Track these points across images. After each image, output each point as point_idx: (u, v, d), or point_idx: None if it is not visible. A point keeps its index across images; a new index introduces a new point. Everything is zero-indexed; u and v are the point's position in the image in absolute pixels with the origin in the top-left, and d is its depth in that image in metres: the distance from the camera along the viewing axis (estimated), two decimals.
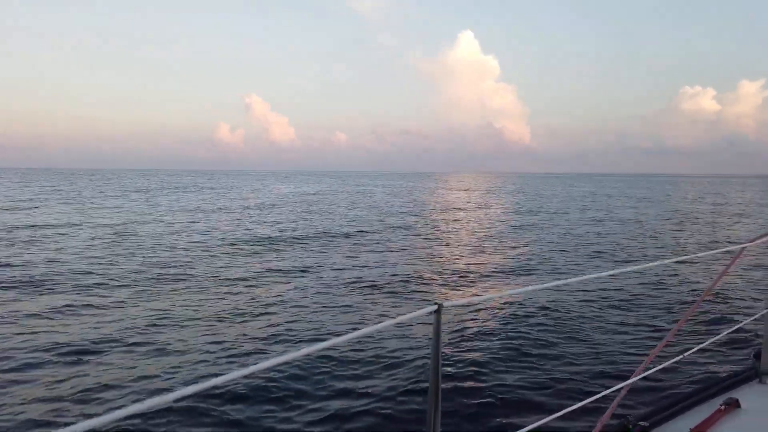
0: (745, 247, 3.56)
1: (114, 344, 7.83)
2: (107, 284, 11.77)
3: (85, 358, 7.29)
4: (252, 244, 18.61)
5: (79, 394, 6.15)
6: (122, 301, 10.31)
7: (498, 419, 5.51)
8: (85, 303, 10.07)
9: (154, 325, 8.84)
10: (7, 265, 13.59)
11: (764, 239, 3.53)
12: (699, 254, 3.79)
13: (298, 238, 20.35)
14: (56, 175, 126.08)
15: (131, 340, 7.99)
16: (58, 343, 7.78)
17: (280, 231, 22.58)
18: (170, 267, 13.94)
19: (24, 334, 8.18)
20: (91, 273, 12.91)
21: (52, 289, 11.20)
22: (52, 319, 9.06)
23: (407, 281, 12.59)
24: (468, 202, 46.83)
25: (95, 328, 8.59)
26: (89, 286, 11.51)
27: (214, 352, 7.57)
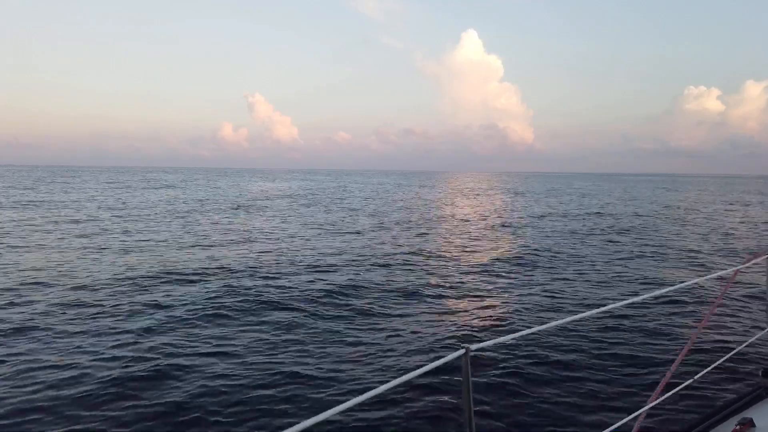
0: (738, 270, 3.66)
1: None
2: None
3: None
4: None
5: None
6: None
7: None
8: None
9: None
10: None
11: (754, 261, 3.68)
12: (692, 281, 3.76)
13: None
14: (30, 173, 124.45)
15: None
16: None
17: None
18: None
19: None
20: None
21: None
22: None
23: (431, 317, 11.15)
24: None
25: None
26: None
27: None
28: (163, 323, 9.71)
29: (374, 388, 1.53)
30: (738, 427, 2.95)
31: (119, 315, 10.15)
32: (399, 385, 1.62)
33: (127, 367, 7.70)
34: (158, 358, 8.06)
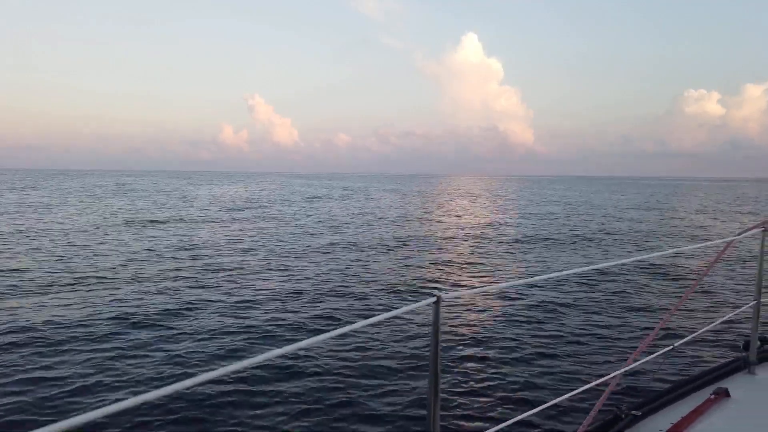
0: (733, 240, 3.61)
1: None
2: None
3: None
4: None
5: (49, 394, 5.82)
6: None
7: (494, 407, 5.67)
8: None
9: None
10: None
11: (751, 232, 3.56)
12: (688, 247, 3.78)
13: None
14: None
15: None
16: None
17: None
18: None
19: None
20: None
21: None
22: None
23: (405, 275, 12.53)
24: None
25: None
26: None
27: (207, 348, 7.42)
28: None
29: (351, 323, 1.57)
30: (713, 396, 2.95)
31: None
32: (373, 324, 1.73)
33: None
34: None
